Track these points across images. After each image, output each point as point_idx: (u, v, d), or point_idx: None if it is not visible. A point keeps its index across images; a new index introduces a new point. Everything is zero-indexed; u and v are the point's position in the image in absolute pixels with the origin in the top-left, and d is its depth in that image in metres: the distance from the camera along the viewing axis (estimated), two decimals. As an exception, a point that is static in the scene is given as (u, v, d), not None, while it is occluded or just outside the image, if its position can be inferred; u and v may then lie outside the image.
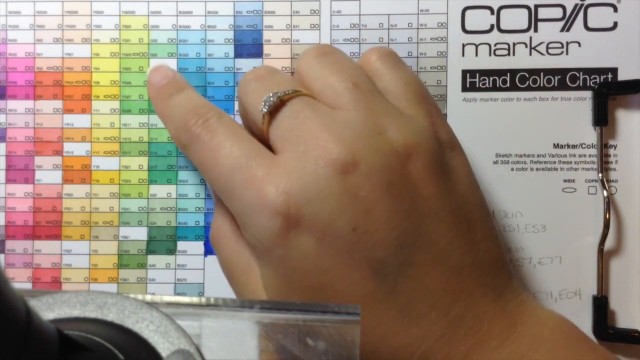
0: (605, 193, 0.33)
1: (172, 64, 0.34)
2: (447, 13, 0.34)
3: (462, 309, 0.26)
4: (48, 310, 0.19)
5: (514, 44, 0.34)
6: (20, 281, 0.34)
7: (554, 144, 0.33)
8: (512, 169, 0.33)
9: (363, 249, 0.26)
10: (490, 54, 0.34)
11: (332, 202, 0.26)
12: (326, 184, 0.26)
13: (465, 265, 0.27)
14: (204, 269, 0.34)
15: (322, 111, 0.27)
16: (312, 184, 0.26)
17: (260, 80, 0.29)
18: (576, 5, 0.33)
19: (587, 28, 0.33)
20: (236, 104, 0.34)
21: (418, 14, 0.34)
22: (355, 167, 0.26)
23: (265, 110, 0.28)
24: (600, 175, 0.33)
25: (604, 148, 0.33)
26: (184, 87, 0.32)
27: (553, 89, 0.33)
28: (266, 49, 0.34)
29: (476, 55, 0.34)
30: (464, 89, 0.34)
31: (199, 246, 0.34)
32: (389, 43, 0.34)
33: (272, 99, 0.28)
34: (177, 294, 0.33)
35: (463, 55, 0.34)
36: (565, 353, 0.26)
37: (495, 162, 0.33)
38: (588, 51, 0.33)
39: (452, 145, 0.29)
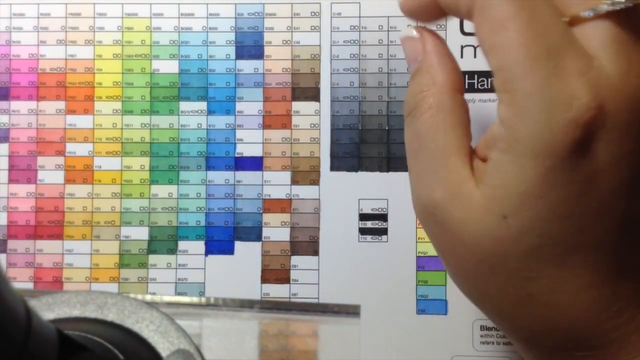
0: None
1: (174, 65, 0.34)
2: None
3: None
4: (48, 310, 0.19)
5: (513, 46, 0.34)
6: (21, 281, 0.34)
7: (553, 146, 0.34)
8: (511, 171, 0.33)
9: (623, 200, 0.24)
10: (489, 56, 0.34)
11: (634, 136, 0.23)
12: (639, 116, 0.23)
13: None
14: (204, 269, 0.34)
15: None
16: (626, 111, 0.23)
17: None
18: (575, 7, 0.34)
19: (585, 31, 0.33)
20: (237, 104, 0.34)
21: (418, 16, 0.34)
22: None
23: (604, 9, 0.23)
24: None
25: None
26: None
27: (552, 91, 0.34)
28: (267, 50, 0.34)
29: (475, 56, 0.34)
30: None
31: (200, 246, 0.34)
32: (388, 45, 0.34)
33: (624, 4, 0.23)
34: (177, 293, 0.33)
35: (462, 56, 0.34)
36: None
37: (494, 164, 0.33)
38: (587, 53, 0.33)
39: None
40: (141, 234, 0.34)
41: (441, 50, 0.27)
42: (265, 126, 0.34)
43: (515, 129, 0.24)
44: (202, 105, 0.34)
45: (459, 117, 0.26)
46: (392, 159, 0.34)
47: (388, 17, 0.34)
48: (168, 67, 0.34)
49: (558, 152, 0.23)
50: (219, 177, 0.34)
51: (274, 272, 0.33)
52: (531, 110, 0.23)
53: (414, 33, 0.28)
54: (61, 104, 0.34)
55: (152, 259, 0.34)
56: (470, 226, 0.25)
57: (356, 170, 0.34)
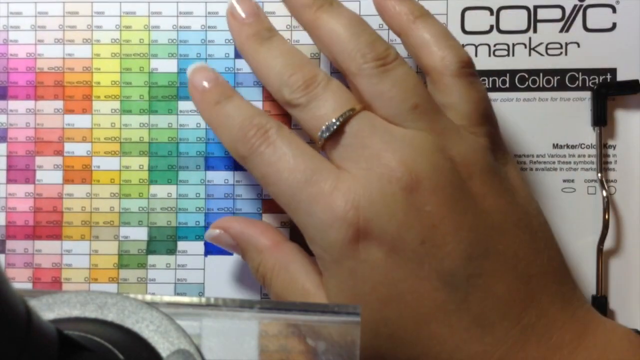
0: (604, 193, 0.33)
1: (173, 64, 0.34)
2: (446, 14, 0.34)
3: (532, 317, 0.27)
4: (48, 310, 0.19)
5: (514, 45, 0.34)
6: (20, 281, 0.34)
7: (554, 144, 0.34)
8: (512, 169, 0.33)
9: (432, 261, 0.26)
10: (489, 55, 0.34)
11: (399, 217, 0.26)
12: (393, 200, 0.27)
13: (532, 274, 0.28)
14: (204, 269, 0.34)
15: (381, 127, 0.28)
16: (379, 200, 0.27)
17: (311, 90, 0.29)
18: (575, 6, 0.34)
19: (586, 29, 0.33)
20: (236, 104, 0.34)
21: (418, 14, 0.33)
22: (419, 185, 0.27)
23: (326, 136, 0.28)
24: (599, 175, 0.33)
25: (603, 148, 0.33)
26: (231, 93, 0.30)
27: (552, 89, 0.34)
28: (266, 49, 0.34)
29: (476, 55, 0.34)
30: (464, 89, 0.34)
31: (199, 246, 0.34)
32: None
33: (334, 126, 0.28)
34: (177, 294, 0.33)
35: (462, 55, 0.34)
36: None
37: (495, 163, 0.33)
38: (587, 52, 0.34)
39: (506, 160, 0.30)
40: (140, 234, 0.34)
41: (243, 224, 0.31)
42: (265, 125, 0.34)
43: (316, 253, 0.28)
44: (201, 104, 0.34)
45: (297, 260, 0.30)
46: (392, 158, 0.34)
47: (388, 15, 0.34)
48: (167, 66, 0.34)
49: (345, 252, 0.27)
50: (218, 177, 0.34)
51: (274, 272, 0.33)
52: (314, 236, 0.28)
53: (216, 232, 0.31)
54: (59, 104, 0.34)
55: (151, 259, 0.34)
56: None
57: (356, 170, 0.34)
